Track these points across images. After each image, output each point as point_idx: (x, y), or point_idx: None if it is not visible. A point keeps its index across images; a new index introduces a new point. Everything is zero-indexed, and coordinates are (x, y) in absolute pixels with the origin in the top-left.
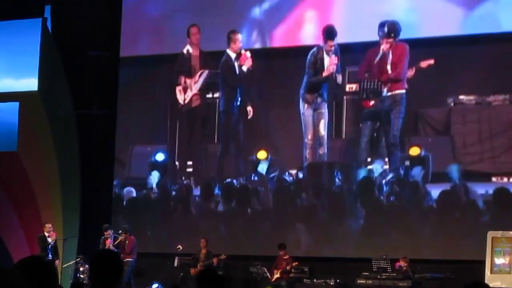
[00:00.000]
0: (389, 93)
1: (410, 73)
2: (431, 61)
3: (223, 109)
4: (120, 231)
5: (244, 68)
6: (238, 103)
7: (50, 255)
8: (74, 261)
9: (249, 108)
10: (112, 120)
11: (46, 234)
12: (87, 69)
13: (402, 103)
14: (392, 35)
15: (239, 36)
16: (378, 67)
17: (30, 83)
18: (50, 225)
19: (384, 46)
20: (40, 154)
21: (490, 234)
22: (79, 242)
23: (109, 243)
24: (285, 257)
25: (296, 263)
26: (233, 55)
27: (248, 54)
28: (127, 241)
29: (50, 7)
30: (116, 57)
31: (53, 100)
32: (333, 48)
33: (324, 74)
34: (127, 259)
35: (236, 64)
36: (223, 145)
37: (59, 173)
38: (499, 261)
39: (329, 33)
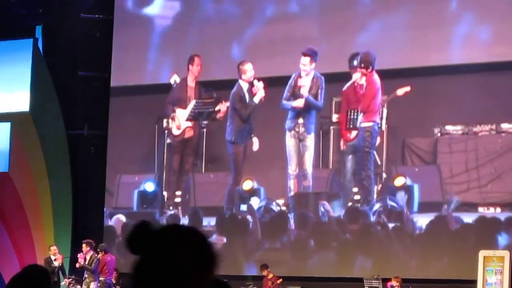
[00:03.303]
0: (362, 125)
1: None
2: (407, 88)
3: (231, 139)
4: (98, 249)
5: (256, 99)
6: (247, 134)
7: (56, 279)
8: (66, 282)
9: (255, 139)
10: (104, 140)
11: (52, 257)
12: (78, 89)
13: (373, 136)
14: (364, 64)
15: (249, 66)
16: (354, 97)
17: (22, 104)
18: (55, 248)
19: (356, 75)
20: (32, 174)
21: (482, 253)
22: (70, 262)
23: (81, 258)
24: (269, 277)
25: (280, 279)
26: (245, 86)
27: (261, 84)
28: (100, 260)
29: (41, 27)
30: (107, 78)
31: (45, 121)
32: (305, 67)
33: (294, 104)
34: (100, 278)
35: (247, 95)
36: (235, 175)
37: (51, 194)
38: (491, 279)
39: (302, 51)
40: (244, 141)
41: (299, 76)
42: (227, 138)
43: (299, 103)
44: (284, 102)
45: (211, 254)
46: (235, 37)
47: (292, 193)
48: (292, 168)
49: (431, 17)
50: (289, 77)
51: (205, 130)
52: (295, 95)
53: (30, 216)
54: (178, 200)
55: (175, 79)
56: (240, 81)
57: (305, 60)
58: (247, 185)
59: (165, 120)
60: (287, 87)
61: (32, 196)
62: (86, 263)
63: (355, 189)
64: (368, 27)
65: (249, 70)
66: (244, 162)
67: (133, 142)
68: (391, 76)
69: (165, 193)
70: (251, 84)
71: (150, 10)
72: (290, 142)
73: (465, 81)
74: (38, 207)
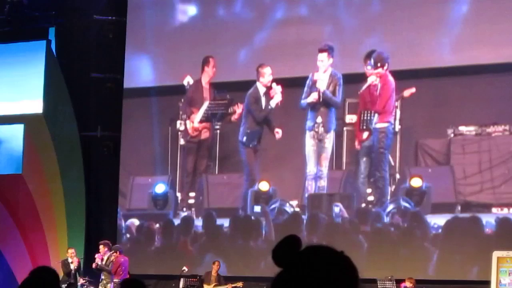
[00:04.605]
0: (377, 126)
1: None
2: (413, 90)
3: (242, 140)
4: (111, 251)
5: (273, 103)
6: (259, 136)
7: (72, 281)
8: (80, 283)
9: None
10: (117, 141)
11: (70, 260)
12: (91, 91)
13: (388, 136)
14: (379, 64)
15: (268, 70)
16: (369, 98)
17: (35, 106)
18: (72, 251)
19: (371, 77)
20: (45, 176)
21: (495, 254)
22: (84, 264)
23: (98, 258)
24: None
25: None
26: (262, 89)
27: (279, 88)
28: (114, 261)
29: (54, 29)
30: (120, 80)
31: (58, 122)
32: (323, 63)
33: (308, 99)
34: (114, 280)
35: (264, 98)
36: (247, 176)
37: (64, 195)
38: (504, 280)
39: (319, 48)
40: (255, 143)
41: (316, 71)
42: (239, 138)
43: (313, 97)
44: (303, 101)
45: (354, 278)
46: (248, 39)
47: (307, 194)
48: (310, 169)
49: (443, 18)
50: (303, 78)
51: (218, 131)
52: (312, 92)
53: (43, 218)
54: (191, 201)
55: (188, 80)
56: (257, 83)
57: (323, 56)
58: (264, 186)
59: (178, 122)
60: (305, 88)
61: (45, 197)
62: (104, 263)
63: (368, 190)
64: (380, 28)
65: (267, 74)
66: (256, 163)
67: (146, 143)
68: (404, 77)
69: (178, 195)
70: (269, 88)
71: (163, 12)
72: (309, 142)
73: (478, 81)
74: (51, 209)
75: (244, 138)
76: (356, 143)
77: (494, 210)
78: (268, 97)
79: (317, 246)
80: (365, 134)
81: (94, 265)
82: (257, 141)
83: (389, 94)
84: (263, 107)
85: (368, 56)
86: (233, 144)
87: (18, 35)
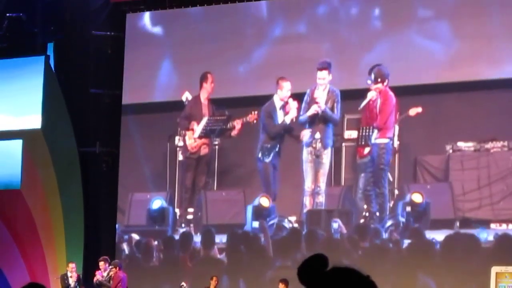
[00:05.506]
0: (377, 141)
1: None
2: (419, 109)
3: (258, 156)
4: (110, 266)
5: (288, 119)
6: (274, 152)
7: None
8: None
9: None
10: (115, 157)
11: (69, 274)
12: (90, 106)
13: (387, 152)
14: (379, 80)
15: (287, 84)
16: (368, 114)
17: (33, 121)
18: (73, 265)
19: (371, 92)
20: (44, 192)
21: (494, 270)
22: (83, 279)
23: (99, 274)
24: None
25: None
26: (278, 103)
27: (295, 104)
28: (113, 277)
29: (53, 44)
30: (119, 95)
31: (56, 138)
32: (324, 81)
33: (309, 113)
34: None
35: (279, 112)
36: (267, 192)
37: (63, 211)
38: None
39: (318, 65)
40: (271, 159)
41: (315, 88)
42: (257, 154)
43: (313, 109)
44: (301, 118)
45: None
46: (247, 55)
47: (305, 210)
48: (307, 185)
49: (441, 34)
50: (301, 94)
51: (217, 147)
52: (311, 108)
53: (41, 233)
54: (190, 217)
55: (186, 96)
56: (275, 96)
57: (323, 74)
58: (265, 202)
59: (177, 138)
60: (303, 104)
61: (43, 213)
62: (104, 280)
63: (367, 206)
64: (378, 44)
65: (286, 88)
66: (273, 179)
67: (144, 159)
68: (402, 93)
69: (177, 211)
70: (285, 103)
71: (162, 28)
72: (306, 158)
73: (477, 97)
74: (49, 224)
75: (260, 154)
76: (357, 158)
77: (492, 226)
78: (284, 112)
79: (344, 268)
80: (367, 150)
81: (95, 279)
82: (273, 156)
83: (389, 110)
84: (278, 121)
85: (370, 71)
86: (232, 160)
87: (17, 50)
